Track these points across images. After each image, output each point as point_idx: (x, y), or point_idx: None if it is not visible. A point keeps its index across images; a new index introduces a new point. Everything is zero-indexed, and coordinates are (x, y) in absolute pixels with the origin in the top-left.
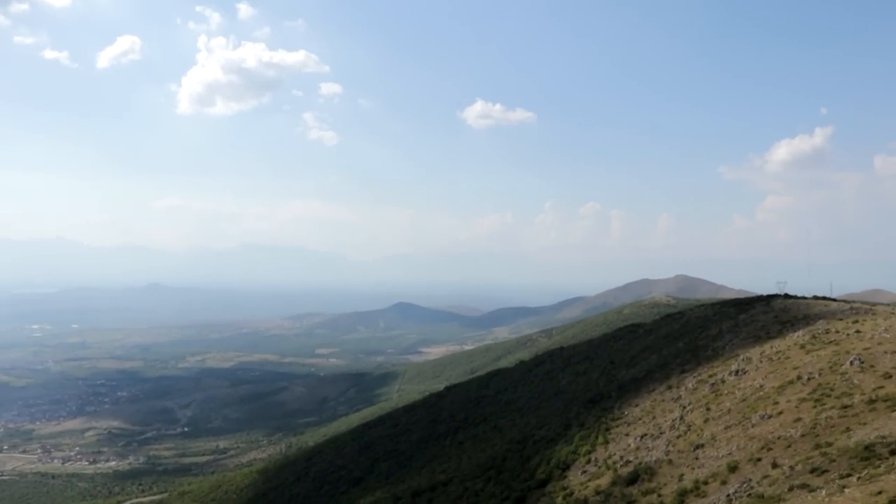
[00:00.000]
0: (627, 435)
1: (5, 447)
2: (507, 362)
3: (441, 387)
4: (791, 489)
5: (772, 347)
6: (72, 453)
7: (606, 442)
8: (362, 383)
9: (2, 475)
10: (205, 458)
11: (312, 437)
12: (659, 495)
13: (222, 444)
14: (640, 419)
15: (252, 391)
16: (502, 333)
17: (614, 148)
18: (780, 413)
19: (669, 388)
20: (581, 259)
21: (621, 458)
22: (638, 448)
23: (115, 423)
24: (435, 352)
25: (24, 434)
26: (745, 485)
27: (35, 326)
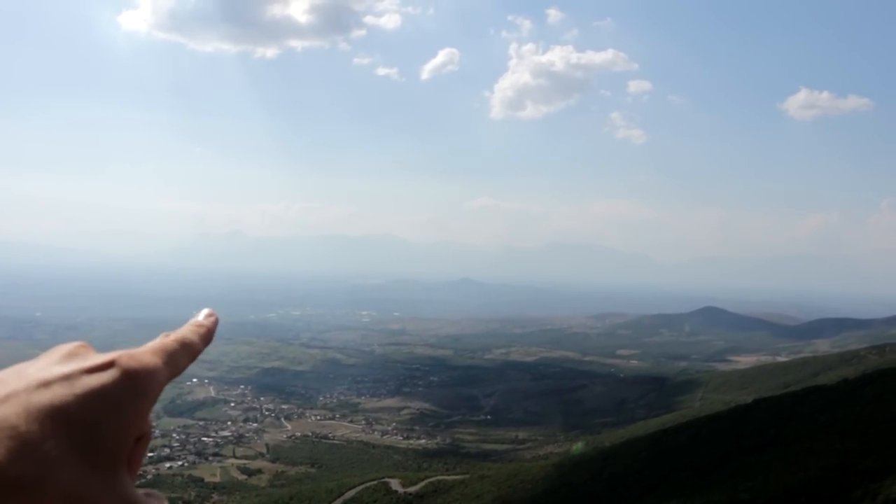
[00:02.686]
0: None
1: (337, 416)
2: (826, 379)
3: (749, 399)
4: None
5: None
6: (389, 428)
7: None
8: (663, 388)
9: (333, 439)
10: (503, 447)
11: (608, 438)
12: None
13: (521, 434)
14: None
15: (552, 386)
16: (822, 347)
17: None
18: None
19: None
20: None
21: None
22: None
23: (426, 405)
24: (744, 361)
25: (351, 406)
26: None
27: (364, 312)
